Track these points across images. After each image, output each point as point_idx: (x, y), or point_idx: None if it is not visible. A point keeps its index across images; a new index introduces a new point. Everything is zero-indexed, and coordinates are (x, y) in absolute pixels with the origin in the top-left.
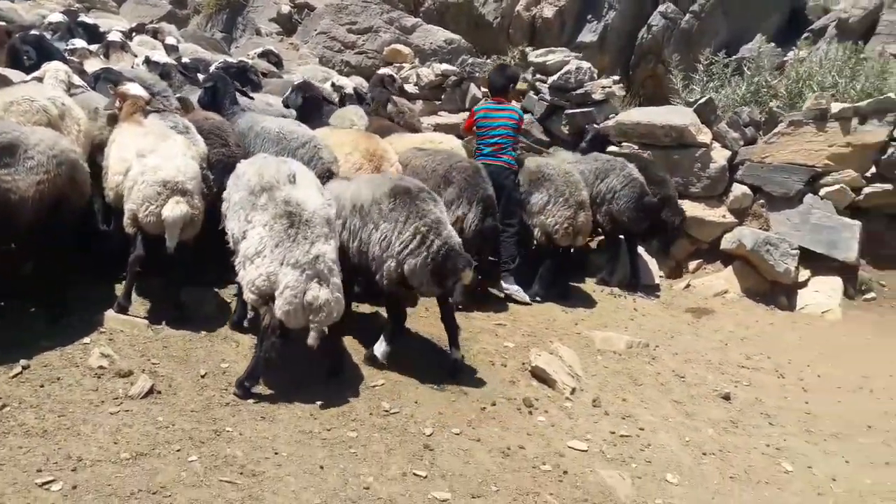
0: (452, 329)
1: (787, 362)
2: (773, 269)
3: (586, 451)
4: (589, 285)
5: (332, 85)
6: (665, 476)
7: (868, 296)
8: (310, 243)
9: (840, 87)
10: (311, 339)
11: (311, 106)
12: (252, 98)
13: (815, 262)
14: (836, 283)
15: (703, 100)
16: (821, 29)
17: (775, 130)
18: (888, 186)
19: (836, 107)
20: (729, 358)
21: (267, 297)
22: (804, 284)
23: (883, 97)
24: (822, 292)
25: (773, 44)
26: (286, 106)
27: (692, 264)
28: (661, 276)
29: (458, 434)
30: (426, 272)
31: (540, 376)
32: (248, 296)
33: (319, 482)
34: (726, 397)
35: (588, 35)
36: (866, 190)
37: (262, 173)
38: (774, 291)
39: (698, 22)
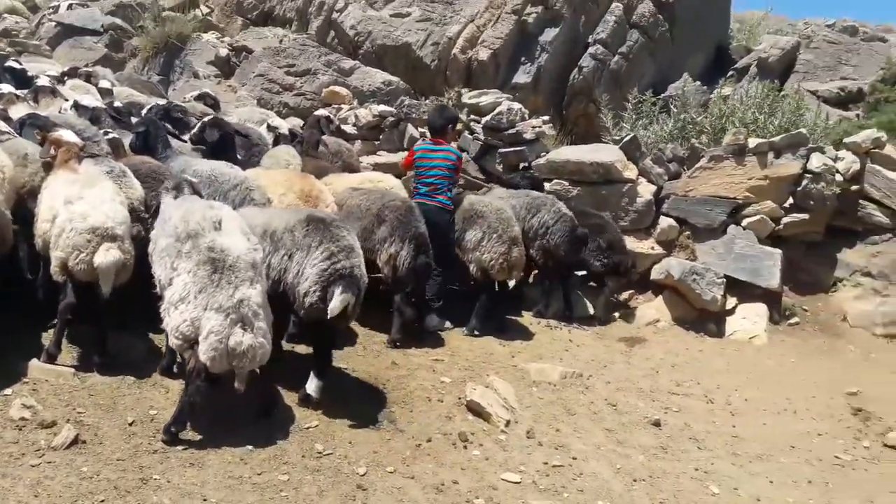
0: (323, 357)
1: (715, 387)
2: (701, 297)
3: (519, 482)
4: (526, 318)
5: (268, 126)
6: None
7: (792, 321)
8: (234, 287)
9: (760, 123)
10: (238, 383)
11: (223, 142)
12: (185, 141)
13: (741, 289)
14: (761, 309)
15: (627, 137)
16: (744, 68)
17: (697, 165)
18: (804, 216)
19: (752, 142)
20: (660, 385)
21: (191, 342)
22: (732, 311)
23: (795, 132)
24: (748, 318)
25: (699, 82)
26: (193, 143)
27: (624, 295)
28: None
29: (392, 472)
30: (319, 282)
31: (475, 410)
32: (173, 341)
33: None
34: (657, 424)
35: (522, 76)
36: (785, 220)
37: (187, 220)
38: (703, 319)
39: (627, 63)
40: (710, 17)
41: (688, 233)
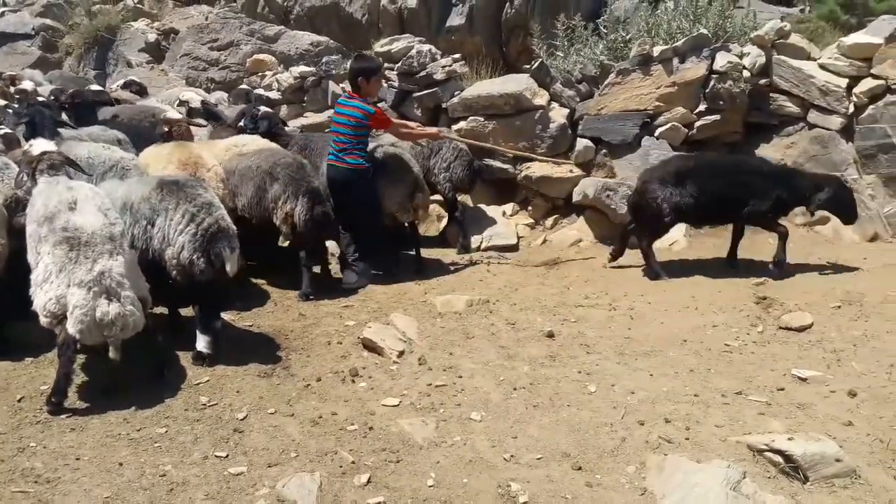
0: (207, 311)
1: (622, 295)
2: (616, 212)
3: (398, 405)
4: (451, 256)
5: (179, 101)
6: (470, 415)
7: None
8: (92, 261)
9: (686, 32)
10: (112, 353)
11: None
12: (74, 127)
13: None
14: None
15: (536, 64)
16: None
17: (606, 82)
18: (716, 117)
19: (657, 50)
20: (567, 300)
21: (59, 318)
22: None
23: (697, 34)
24: None
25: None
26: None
27: (549, 221)
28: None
29: (272, 413)
30: (196, 249)
31: (370, 346)
32: (43, 320)
33: (115, 477)
34: (550, 335)
35: (456, 19)
36: (698, 124)
37: (46, 203)
38: None
39: None
40: None
41: (604, 151)
